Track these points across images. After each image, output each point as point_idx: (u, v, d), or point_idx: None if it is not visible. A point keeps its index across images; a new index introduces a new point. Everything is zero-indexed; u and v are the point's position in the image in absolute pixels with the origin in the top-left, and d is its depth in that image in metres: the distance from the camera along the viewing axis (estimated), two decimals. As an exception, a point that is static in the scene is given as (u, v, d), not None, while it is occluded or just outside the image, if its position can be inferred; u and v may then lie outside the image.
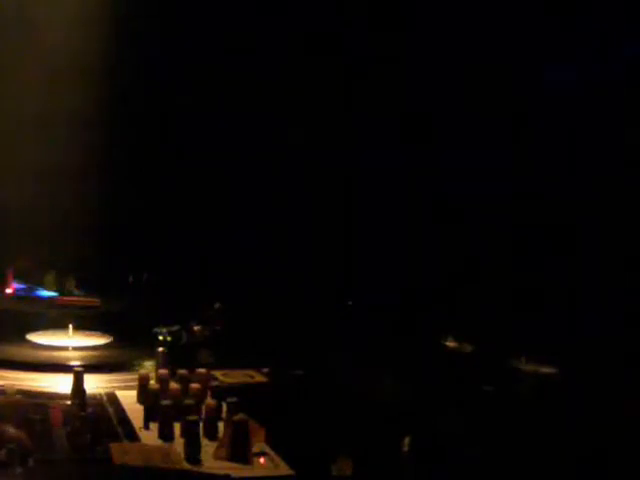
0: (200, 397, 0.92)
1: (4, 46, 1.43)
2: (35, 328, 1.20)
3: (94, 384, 0.99)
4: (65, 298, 1.39)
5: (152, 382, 0.94)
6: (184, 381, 0.95)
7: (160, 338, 1.19)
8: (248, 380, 1.09)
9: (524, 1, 1.31)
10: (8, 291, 1.41)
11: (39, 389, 0.98)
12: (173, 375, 0.96)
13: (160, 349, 1.05)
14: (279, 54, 1.53)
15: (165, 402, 0.86)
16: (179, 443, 0.82)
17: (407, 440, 0.78)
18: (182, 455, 0.80)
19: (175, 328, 1.21)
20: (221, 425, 0.86)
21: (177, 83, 1.57)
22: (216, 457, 0.80)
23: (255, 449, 0.81)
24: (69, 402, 0.92)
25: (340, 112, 1.52)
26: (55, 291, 1.43)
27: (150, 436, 0.85)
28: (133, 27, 1.51)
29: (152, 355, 1.06)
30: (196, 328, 1.22)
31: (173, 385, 0.93)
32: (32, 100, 1.48)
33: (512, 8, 1.30)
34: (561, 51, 1.26)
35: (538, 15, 1.27)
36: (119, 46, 1.50)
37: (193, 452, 0.80)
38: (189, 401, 0.88)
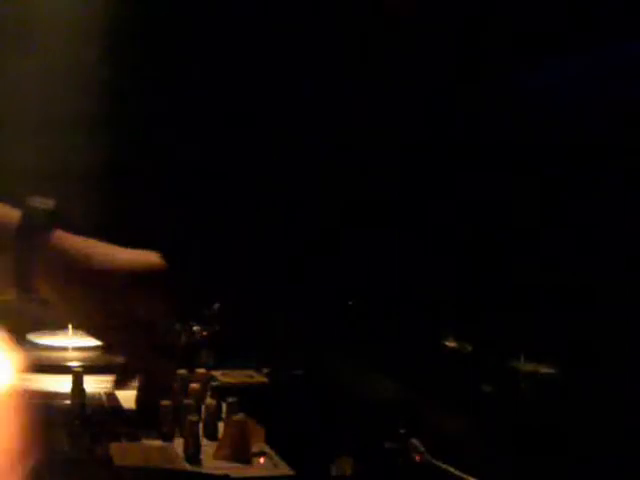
0: (200, 397, 0.92)
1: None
2: (35, 328, 1.20)
3: (94, 384, 0.99)
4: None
5: (152, 382, 0.94)
6: (184, 381, 0.95)
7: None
8: (248, 380, 1.09)
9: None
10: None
11: (39, 389, 0.98)
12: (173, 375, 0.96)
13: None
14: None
15: (165, 402, 0.86)
16: (179, 443, 0.82)
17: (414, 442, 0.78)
18: (182, 455, 0.80)
19: (174, 328, 1.21)
20: (221, 425, 0.86)
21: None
22: (216, 457, 0.80)
23: (255, 449, 0.81)
24: (69, 402, 0.92)
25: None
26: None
27: (150, 436, 0.85)
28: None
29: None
30: (195, 328, 1.22)
31: (173, 385, 0.93)
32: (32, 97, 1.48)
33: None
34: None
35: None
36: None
37: (193, 452, 0.80)
38: (189, 401, 0.88)
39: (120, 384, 0.93)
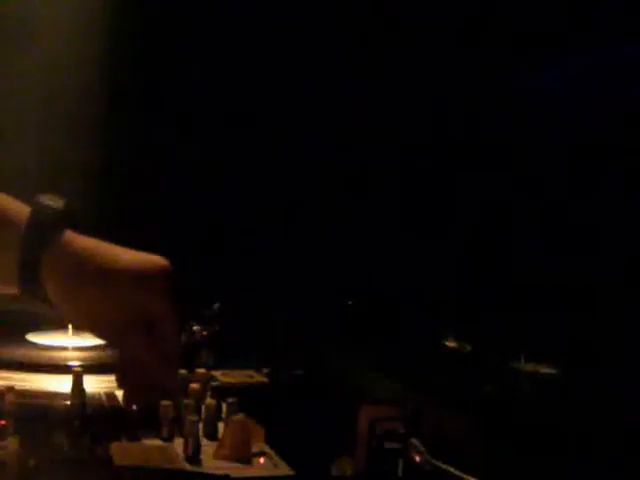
0: (200, 397, 0.92)
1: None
2: (35, 328, 1.20)
3: (94, 384, 0.99)
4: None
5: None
6: (184, 381, 0.95)
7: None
8: (248, 380, 1.09)
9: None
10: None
11: (39, 389, 0.98)
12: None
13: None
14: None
15: (165, 402, 0.86)
16: (179, 443, 0.82)
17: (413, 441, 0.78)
18: (182, 455, 0.80)
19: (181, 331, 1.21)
20: (221, 425, 0.86)
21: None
22: (216, 457, 0.80)
23: (255, 449, 0.81)
24: (69, 402, 0.92)
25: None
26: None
27: (150, 436, 0.85)
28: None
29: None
30: (195, 328, 1.22)
31: (175, 386, 0.93)
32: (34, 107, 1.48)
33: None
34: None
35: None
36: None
37: (193, 452, 0.80)
38: (189, 401, 0.88)
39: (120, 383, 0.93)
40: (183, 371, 0.97)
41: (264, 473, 0.78)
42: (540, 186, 1.28)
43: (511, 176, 1.31)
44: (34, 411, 0.89)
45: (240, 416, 0.82)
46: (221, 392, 0.93)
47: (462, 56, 1.37)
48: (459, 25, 1.37)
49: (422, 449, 0.77)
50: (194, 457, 0.79)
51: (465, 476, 0.74)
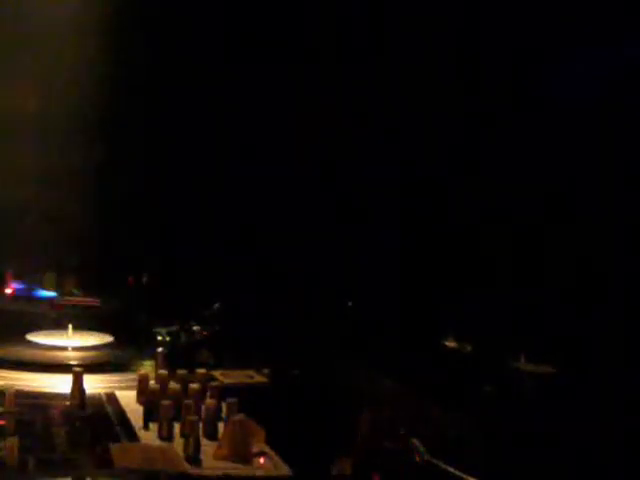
0: (200, 397, 0.92)
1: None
2: (35, 328, 1.20)
3: (94, 384, 0.99)
4: (65, 298, 1.39)
5: (152, 382, 0.94)
6: (184, 381, 0.95)
7: (159, 338, 1.19)
8: (248, 380, 1.09)
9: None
10: (8, 291, 1.41)
11: (39, 389, 0.98)
12: (173, 375, 0.97)
13: (159, 349, 1.05)
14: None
15: (165, 402, 0.86)
16: (179, 443, 0.82)
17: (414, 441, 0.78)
18: (182, 455, 0.80)
19: (174, 328, 1.21)
20: (221, 425, 0.86)
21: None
22: (216, 457, 0.80)
23: (255, 449, 0.81)
24: (69, 402, 0.92)
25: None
26: (55, 291, 1.43)
27: (150, 436, 0.85)
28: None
29: (152, 355, 1.06)
30: (195, 328, 1.22)
31: (173, 385, 0.93)
32: (31, 100, 1.48)
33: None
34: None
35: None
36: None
37: (193, 452, 0.80)
38: (189, 401, 0.88)
39: None
40: (183, 371, 0.98)
41: (264, 473, 0.78)
42: (539, 188, 1.28)
43: (511, 179, 1.31)
44: (34, 411, 0.89)
45: (240, 416, 0.82)
46: (221, 392, 0.93)
47: (464, 60, 1.37)
48: (459, 26, 1.37)
49: (422, 449, 0.77)
50: (194, 457, 0.79)
51: (465, 476, 0.74)
